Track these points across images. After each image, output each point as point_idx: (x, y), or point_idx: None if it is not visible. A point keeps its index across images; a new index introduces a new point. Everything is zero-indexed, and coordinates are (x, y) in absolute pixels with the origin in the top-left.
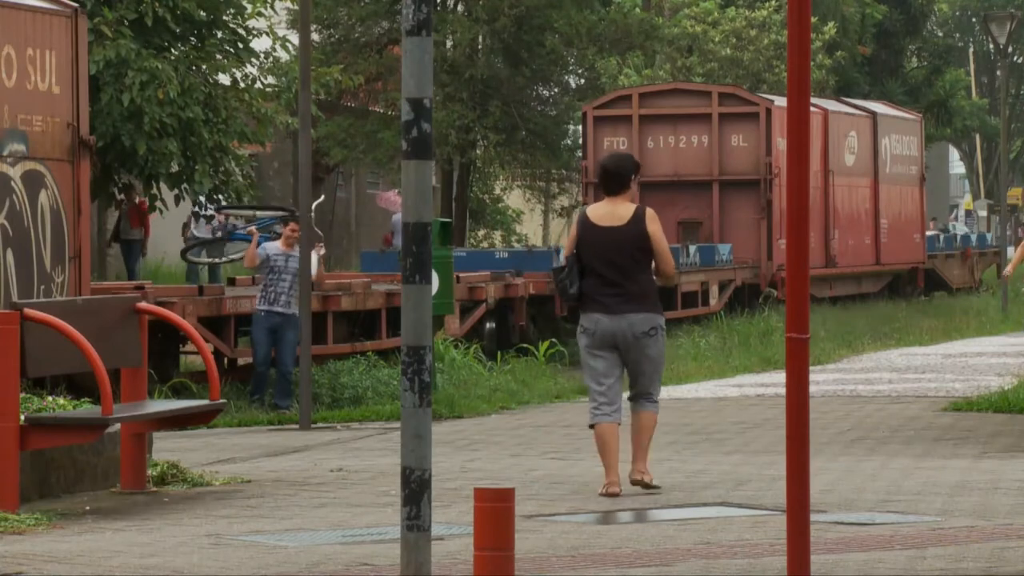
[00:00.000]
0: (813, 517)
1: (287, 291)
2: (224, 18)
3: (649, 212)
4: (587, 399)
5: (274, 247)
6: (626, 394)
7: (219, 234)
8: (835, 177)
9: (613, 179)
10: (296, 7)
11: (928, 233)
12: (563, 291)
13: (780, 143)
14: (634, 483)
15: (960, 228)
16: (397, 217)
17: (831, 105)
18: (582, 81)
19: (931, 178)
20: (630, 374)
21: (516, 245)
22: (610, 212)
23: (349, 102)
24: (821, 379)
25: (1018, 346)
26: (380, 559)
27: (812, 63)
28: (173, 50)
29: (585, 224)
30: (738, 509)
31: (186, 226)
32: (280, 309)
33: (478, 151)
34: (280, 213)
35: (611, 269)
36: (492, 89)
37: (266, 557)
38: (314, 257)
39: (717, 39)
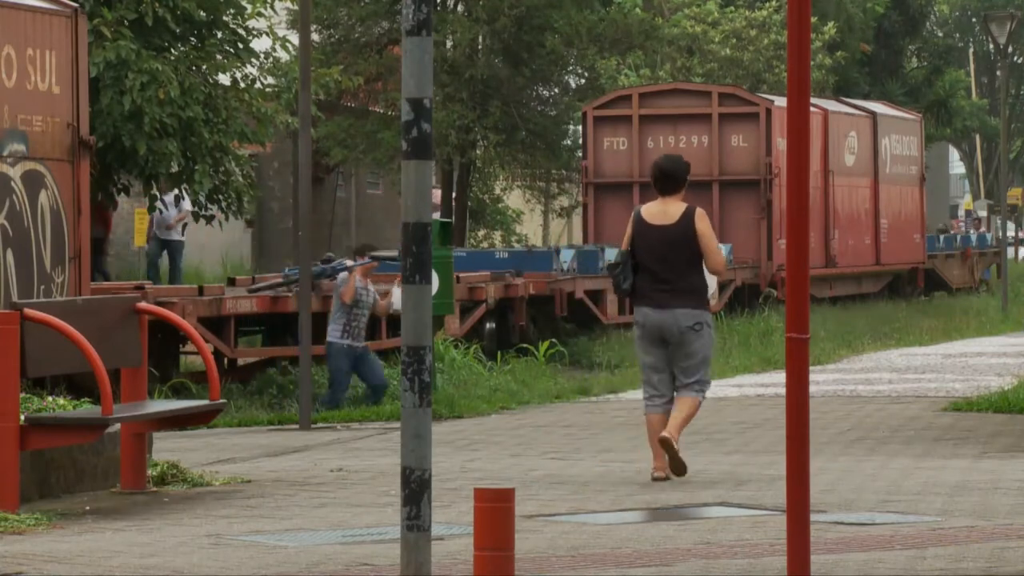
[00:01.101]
0: (813, 517)
1: (364, 325)
2: (224, 18)
3: (699, 211)
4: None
5: (358, 281)
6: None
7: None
8: (835, 177)
9: (667, 179)
10: (296, 7)
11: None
12: (617, 285)
13: (780, 143)
14: (661, 441)
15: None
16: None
17: (831, 105)
18: (582, 81)
19: (931, 178)
20: (675, 367)
21: (516, 245)
22: (662, 211)
23: (349, 102)
24: (821, 379)
25: (1018, 346)
26: (380, 559)
27: (812, 63)
28: (173, 50)
29: (638, 222)
30: (738, 509)
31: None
32: (361, 344)
33: (478, 151)
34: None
35: (662, 266)
36: (492, 89)
37: (266, 557)
38: (396, 292)
39: (717, 39)
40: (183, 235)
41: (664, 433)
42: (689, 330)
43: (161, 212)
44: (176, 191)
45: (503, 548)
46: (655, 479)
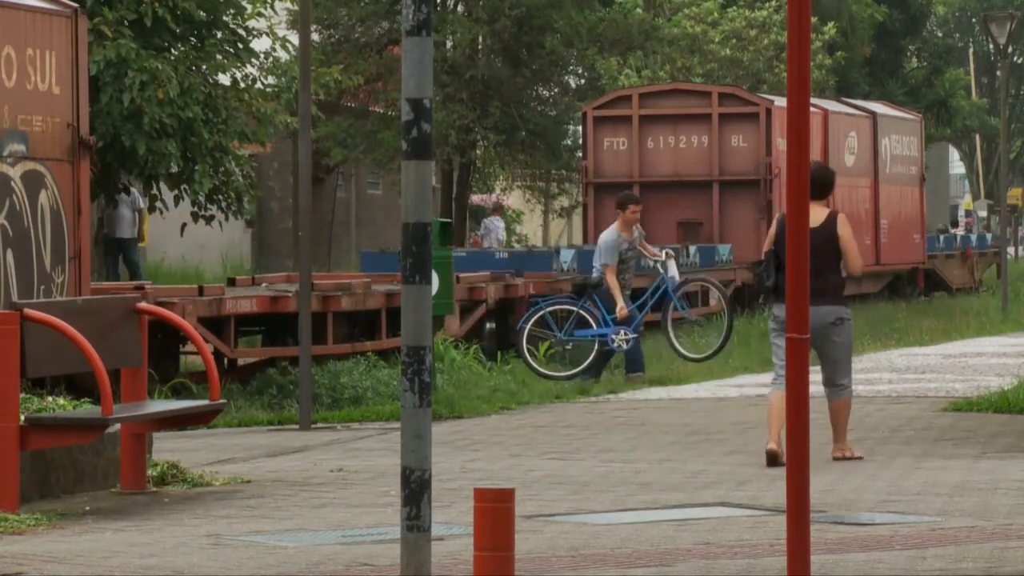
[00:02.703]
0: (813, 517)
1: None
2: (224, 18)
3: (841, 217)
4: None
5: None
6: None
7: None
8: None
9: (818, 186)
10: (296, 7)
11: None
12: (760, 283)
13: (780, 143)
14: (835, 459)
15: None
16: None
17: (831, 105)
18: (582, 81)
19: (931, 178)
20: (821, 362)
21: (516, 245)
22: None
23: (349, 102)
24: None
25: (1018, 346)
26: (380, 559)
27: (812, 63)
28: (173, 50)
29: (783, 225)
30: (738, 509)
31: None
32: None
33: (478, 151)
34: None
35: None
36: (492, 89)
37: (266, 557)
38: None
39: (717, 39)
40: (135, 233)
41: (836, 453)
42: (831, 325)
43: (116, 208)
44: (130, 189)
45: (503, 548)
46: (767, 451)
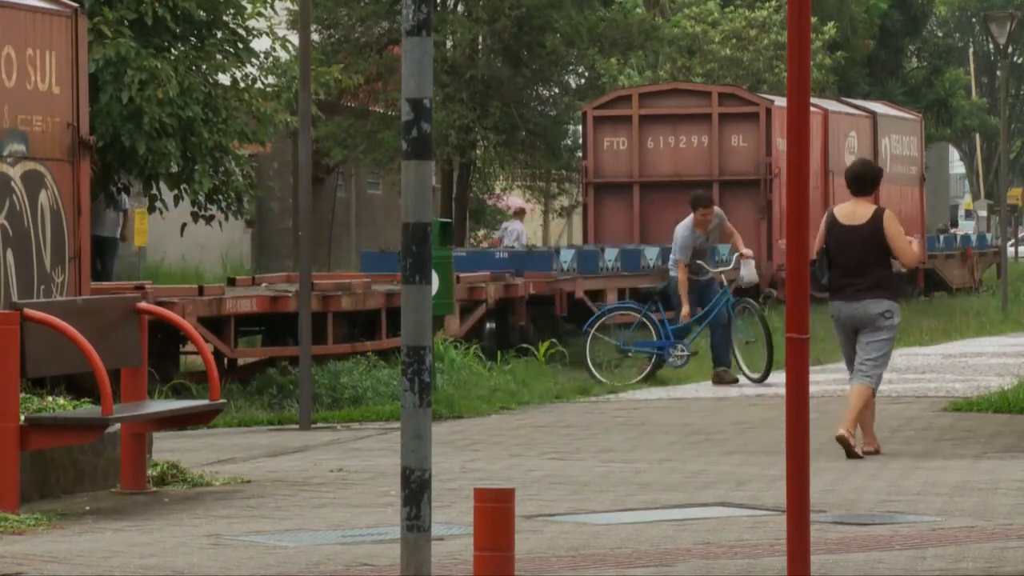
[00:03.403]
0: (813, 517)
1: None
2: (224, 18)
3: (887, 213)
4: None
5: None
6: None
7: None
8: (835, 177)
9: (859, 181)
10: (296, 7)
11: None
12: (814, 280)
13: (780, 143)
14: (838, 439)
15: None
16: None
17: (831, 105)
18: (582, 81)
19: (931, 178)
20: (858, 351)
21: (516, 245)
22: (852, 212)
23: (349, 102)
24: (821, 379)
25: (1018, 346)
26: (380, 559)
27: (812, 63)
28: (173, 50)
29: (832, 222)
30: (738, 509)
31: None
32: (703, 277)
33: (478, 151)
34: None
35: (852, 262)
36: (492, 89)
37: (266, 557)
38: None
39: (717, 39)
40: (116, 233)
41: (840, 432)
42: (879, 316)
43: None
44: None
45: (503, 548)
46: (837, 437)
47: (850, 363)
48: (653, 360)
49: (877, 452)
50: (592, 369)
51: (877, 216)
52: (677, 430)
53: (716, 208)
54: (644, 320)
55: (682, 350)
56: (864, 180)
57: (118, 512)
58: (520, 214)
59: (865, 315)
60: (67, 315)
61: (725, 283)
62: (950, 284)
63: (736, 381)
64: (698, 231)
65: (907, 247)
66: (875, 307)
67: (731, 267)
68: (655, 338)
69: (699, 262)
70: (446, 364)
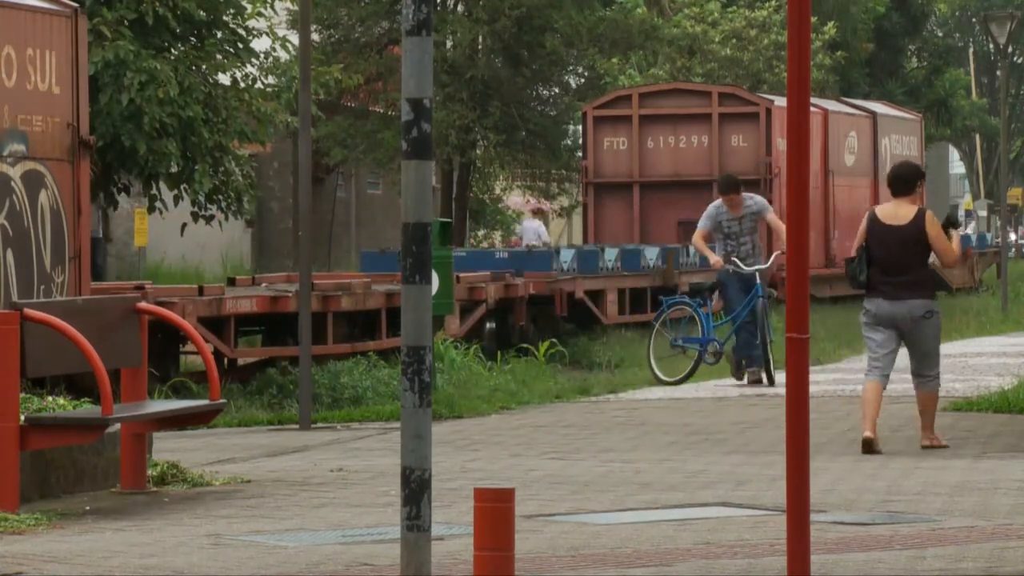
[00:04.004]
0: (813, 517)
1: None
2: (224, 18)
3: (928, 215)
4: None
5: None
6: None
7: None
8: (835, 177)
9: (900, 182)
10: (296, 7)
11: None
12: (853, 278)
13: (780, 143)
14: (924, 448)
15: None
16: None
17: (831, 105)
18: (582, 81)
19: (931, 178)
20: (910, 354)
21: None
22: (894, 212)
23: (349, 102)
24: (821, 379)
25: (1018, 346)
26: (380, 559)
27: (812, 63)
28: (173, 50)
29: (873, 221)
30: (738, 509)
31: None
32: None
33: (478, 151)
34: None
35: (892, 261)
36: (492, 89)
37: (266, 557)
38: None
39: (717, 39)
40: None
41: (925, 442)
42: (921, 319)
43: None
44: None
45: (503, 548)
46: (863, 439)
47: (880, 348)
48: (696, 357)
49: (944, 446)
50: (653, 365)
51: (920, 217)
52: (677, 430)
53: (757, 197)
54: (694, 315)
55: (714, 348)
56: (904, 180)
57: (118, 512)
58: (539, 213)
59: (908, 315)
60: (67, 315)
61: (759, 281)
62: (950, 284)
63: (761, 382)
64: (731, 211)
65: (950, 248)
66: (918, 309)
67: (767, 265)
68: (700, 335)
69: (734, 258)
70: (446, 364)
